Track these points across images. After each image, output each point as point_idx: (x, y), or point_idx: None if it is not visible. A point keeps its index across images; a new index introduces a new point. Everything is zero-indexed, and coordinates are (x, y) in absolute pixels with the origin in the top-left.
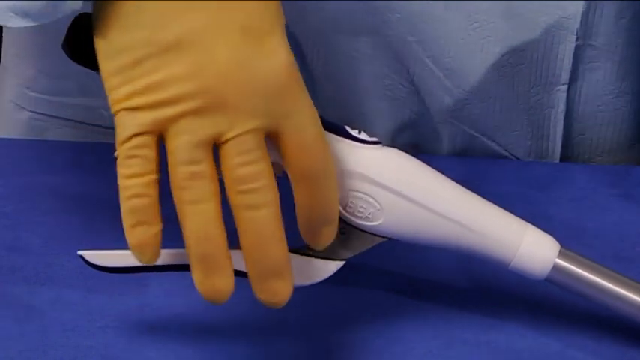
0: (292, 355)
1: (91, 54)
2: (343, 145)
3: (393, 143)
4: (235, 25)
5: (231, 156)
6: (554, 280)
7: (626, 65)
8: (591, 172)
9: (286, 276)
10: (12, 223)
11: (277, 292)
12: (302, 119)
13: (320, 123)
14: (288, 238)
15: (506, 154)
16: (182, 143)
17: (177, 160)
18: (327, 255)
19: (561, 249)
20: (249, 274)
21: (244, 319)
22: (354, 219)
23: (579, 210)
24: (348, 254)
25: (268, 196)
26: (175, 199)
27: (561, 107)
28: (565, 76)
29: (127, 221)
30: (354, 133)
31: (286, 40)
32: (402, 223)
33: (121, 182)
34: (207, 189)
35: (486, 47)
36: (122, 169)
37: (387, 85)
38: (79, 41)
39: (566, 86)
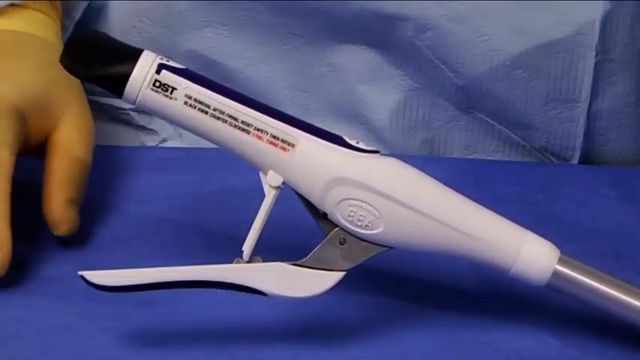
0: (292, 358)
1: (89, 67)
2: (341, 155)
3: (407, 139)
4: None
5: None
6: (555, 286)
7: None
8: (592, 173)
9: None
10: (12, 223)
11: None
12: (65, 136)
13: (85, 136)
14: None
15: (524, 143)
16: None
17: None
18: (327, 266)
19: (561, 255)
20: None
21: (245, 321)
22: (354, 228)
23: (580, 210)
24: (349, 265)
25: None
26: None
27: (582, 122)
28: (585, 93)
29: None
30: (352, 142)
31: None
32: (402, 231)
33: None
34: None
35: (496, 60)
36: None
37: (400, 77)
38: (77, 55)
39: (587, 103)
